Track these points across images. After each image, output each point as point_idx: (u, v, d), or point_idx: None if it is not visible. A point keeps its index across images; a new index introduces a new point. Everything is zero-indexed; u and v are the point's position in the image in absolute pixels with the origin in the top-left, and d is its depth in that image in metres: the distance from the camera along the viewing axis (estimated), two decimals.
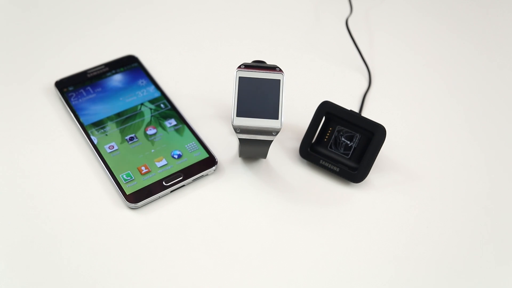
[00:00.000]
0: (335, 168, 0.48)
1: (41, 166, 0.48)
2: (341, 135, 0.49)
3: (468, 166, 0.51)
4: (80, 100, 0.53)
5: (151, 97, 0.54)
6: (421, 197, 0.48)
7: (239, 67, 0.45)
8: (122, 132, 0.51)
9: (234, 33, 0.62)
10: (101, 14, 0.64)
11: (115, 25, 0.62)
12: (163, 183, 0.47)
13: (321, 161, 0.49)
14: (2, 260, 0.42)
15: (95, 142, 0.50)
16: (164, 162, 0.48)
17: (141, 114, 0.52)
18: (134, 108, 0.53)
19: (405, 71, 0.59)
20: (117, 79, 0.55)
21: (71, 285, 0.41)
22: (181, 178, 0.47)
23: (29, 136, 0.51)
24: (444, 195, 0.48)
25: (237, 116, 0.44)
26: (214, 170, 0.49)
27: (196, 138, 0.50)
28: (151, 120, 0.52)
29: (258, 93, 0.45)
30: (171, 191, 0.47)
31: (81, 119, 0.51)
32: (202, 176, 0.48)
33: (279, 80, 0.45)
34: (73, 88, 0.54)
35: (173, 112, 0.53)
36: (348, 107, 0.51)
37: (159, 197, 0.47)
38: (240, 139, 0.46)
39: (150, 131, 0.51)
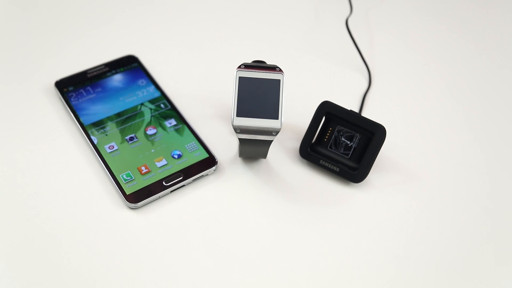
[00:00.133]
0: (335, 168, 0.48)
1: (41, 166, 0.48)
2: (341, 135, 0.49)
3: (468, 166, 0.51)
4: (80, 100, 0.53)
5: (151, 97, 0.54)
6: (421, 197, 0.48)
7: (239, 67, 0.45)
8: (122, 132, 0.51)
9: (234, 33, 0.62)
10: (101, 14, 0.64)
11: (115, 25, 0.62)
12: (163, 183, 0.47)
13: (321, 161, 0.49)
14: (2, 260, 0.42)
15: (95, 142, 0.50)
16: (164, 162, 0.48)
17: (141, 114, 0.52)
18: (134, 108, 0.53)
19: (405, 71, 0.59)
20: (117, 79, 0.55)
21: (71, 285, 0.41)
22: (181, 178, 0.47)
23: (29, 136, 0.51)
24: (444, 195, 0.48)
25: (237, 116, 0.44)
26: (214, 170, 0.49)
27: (196, 138, 0.50)
28: (151, 120, 0.52)
29: (258, 93, 0.44)
30: (171, 191, 0.47)
31: (81, 119, 0.51)
32: (202, 176, 0.48)
33: (279, 80, 0.45)
34: (73, 88, 0.54)
35: (173, 112, 0.53)
36: (348, 107, 0.51)
37: (159, 197, 0.47)
38: (240, 139, 0.46)
39: (150, 131, 0.51)
